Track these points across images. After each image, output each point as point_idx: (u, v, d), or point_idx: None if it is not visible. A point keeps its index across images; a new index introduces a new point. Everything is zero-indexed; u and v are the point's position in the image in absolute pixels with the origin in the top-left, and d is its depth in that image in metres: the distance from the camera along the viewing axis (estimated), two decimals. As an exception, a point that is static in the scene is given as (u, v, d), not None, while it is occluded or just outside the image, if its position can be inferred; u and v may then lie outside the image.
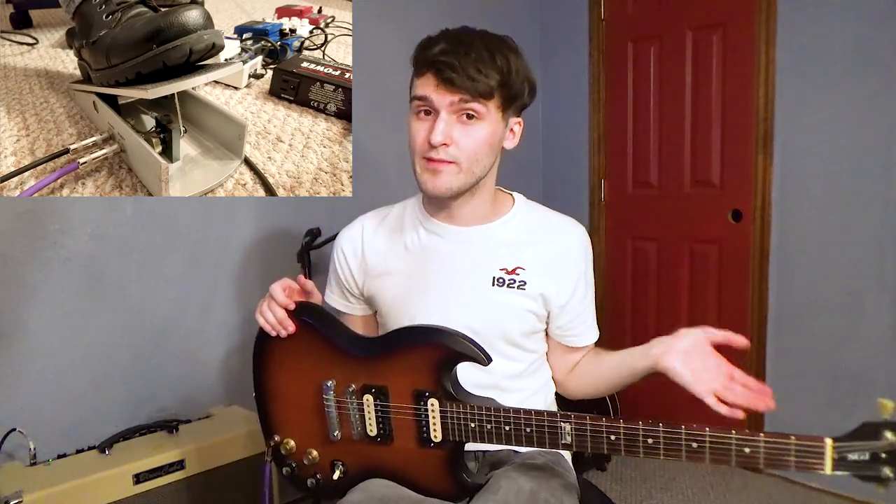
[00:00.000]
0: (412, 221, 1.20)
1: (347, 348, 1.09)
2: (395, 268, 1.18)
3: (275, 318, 1.09)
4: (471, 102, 1.03)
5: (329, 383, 1.07)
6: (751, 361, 2.51)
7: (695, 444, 0.85)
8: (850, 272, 2.27)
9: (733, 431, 0.83)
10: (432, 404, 1.01)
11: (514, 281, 1.11)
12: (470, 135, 1.05)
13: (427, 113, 1.05)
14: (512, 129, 1.13)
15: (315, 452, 1.11)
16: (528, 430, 0.96)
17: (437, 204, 1.15)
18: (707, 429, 0.84)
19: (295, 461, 1.13)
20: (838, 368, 2.31)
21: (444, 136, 1.03)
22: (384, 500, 1.03)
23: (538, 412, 0.96)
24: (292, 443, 1.13)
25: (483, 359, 0.98)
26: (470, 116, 1.04)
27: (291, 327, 1.09)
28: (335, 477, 1.09)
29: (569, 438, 0.94)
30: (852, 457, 0.76)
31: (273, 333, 1.11)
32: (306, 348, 1.11)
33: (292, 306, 1.09)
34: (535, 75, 1.11)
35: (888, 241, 2.18)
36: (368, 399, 1.05)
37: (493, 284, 1.12)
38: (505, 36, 1.08)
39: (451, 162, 1.05)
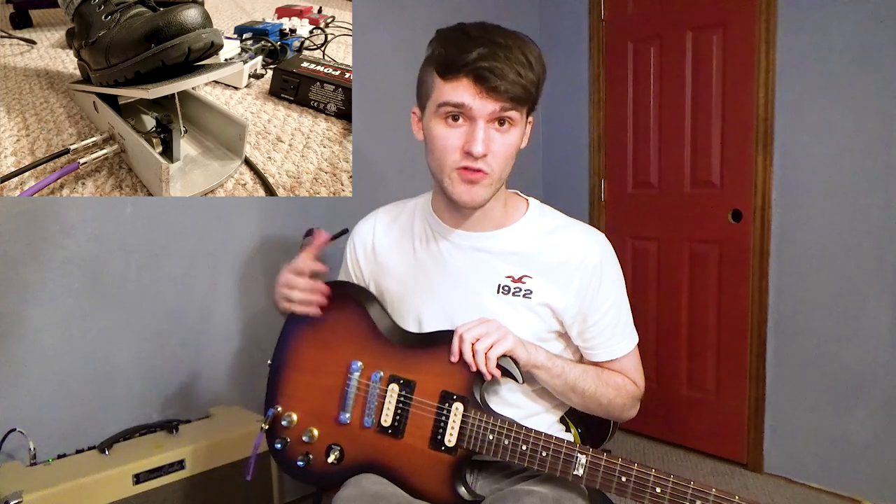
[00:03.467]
0: (421, 223, 1.19)
1: (384, 334, 1.09)
2: (403, 268, 1.18)
3: (301, 292, 1.11)
4: (510, 111, 0.99)
5: (358, 364, 1.07)
6: (751, 361, 2.52)
7: (699, 502, 0.88)
8: (850, 272, 2.27)
9: (736, 497, 0.87)
10: (456, 408, 1.01)
11: (520, 289, 1.09)
12: (504, 142, 1.01)
13: (456, 119, 1.00)
14: (527, 129, 1.09)
15: (316, 431, 1.09)
16: (543, 453, 0.97)
17: (453, 209, 1.11)
18: (713, 489, 0.88)
19: (291, 437, 1.11)
20: (838, 368, 2.31)
21: (486, 146, 0.99)
22: (376, 496, 1.02)
23: (559, 438, 0.97)
24: (295, 417, 1.11)
25: (519, 377, 1.00)
26: (502, 122, 1.00)
27: (325, 289, 1.11)
28: (329, 461, 1.07)
29: (581, 471, 0.95)
30: None
31: (306, 310, 1.11)
32: (341, 326, 1.11)
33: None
34: None
35: (888, 241, 2.18)
36: (393, 389, 1.05)
37: (498, 292, 1.10)
38: (517, 32, 1.04)
39: (487, 173, 1.01)
